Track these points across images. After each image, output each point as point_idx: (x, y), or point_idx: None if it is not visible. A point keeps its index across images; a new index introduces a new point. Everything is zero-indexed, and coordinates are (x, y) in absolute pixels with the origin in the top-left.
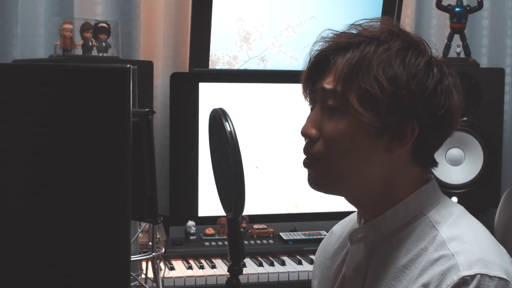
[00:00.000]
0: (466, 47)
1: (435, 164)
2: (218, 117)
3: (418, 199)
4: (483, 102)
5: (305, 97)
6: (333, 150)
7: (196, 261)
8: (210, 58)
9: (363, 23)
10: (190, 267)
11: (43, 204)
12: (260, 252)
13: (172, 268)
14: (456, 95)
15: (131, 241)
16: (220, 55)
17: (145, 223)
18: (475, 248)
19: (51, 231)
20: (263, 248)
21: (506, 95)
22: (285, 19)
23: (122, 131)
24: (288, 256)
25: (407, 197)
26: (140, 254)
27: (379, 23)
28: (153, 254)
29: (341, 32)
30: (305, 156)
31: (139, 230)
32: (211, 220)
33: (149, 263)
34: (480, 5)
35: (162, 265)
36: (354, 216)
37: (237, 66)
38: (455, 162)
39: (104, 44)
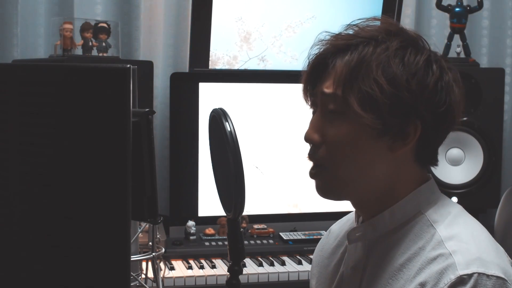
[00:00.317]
0: (466, 47)
1: (436, 161)
2: (218, 117)
3: (416, 199)
4: (483, 102)
5: (306, 101)
6: (337, 155)
7: (196, 261)
8: (210, 58)
9: (360, 23)
10: (190, 267)
11: (43, 204)
12: (260, 252)
13: (172, 268)
14: (457, 90)
15: (131, 241)
16: (220, 55)
17: (145, 223)
18: (472, 247)
19: (51, 231)
20: (263, 248)
21: (506, 95)
22: (285, 19)
23: (122, 131)
24: (288, 256)
25: (405, 196)
26: (140, 254)
27: (376, 22)
28: (153, 254)
29: (338, 34)
30: (310, 165)
31: (139, 230)
32: (211, 220)
33: (149, 263)
34: (480, 5)
35: (162, 265)
36: (352, 215)
37: (237, 66)
38: (455, 162)
39: (104, 44)
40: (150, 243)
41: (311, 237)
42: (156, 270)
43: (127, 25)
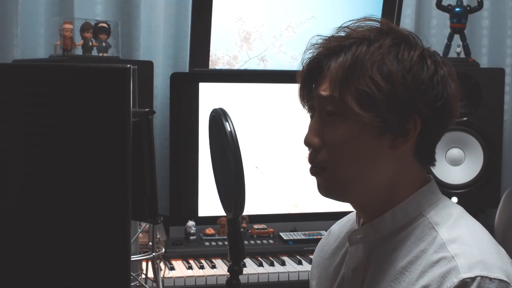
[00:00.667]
0: (466, 47)
1: (434, 159)
2: (218, 117)
3: (417, 200)
4: (483, 102)
5: (303, 106)
6: (338, 157)
7: (196, 261)
8: (210, 58)
9: (351, 24)
10: (190, 267)
11: (43, 204)
12: (260, 252)
13: (172, 268)
14: (453, 84)
15: (131, 241)
16: (220, 55)
17: (145, 223)
18: (475, 250)
19: (51, 231)
20: (263, 248)
21: (506, 95)
22: (285, 19)
23: (122, 131)
24: (288, 256)
25: (406, 198)
26: (140, 254)
27: (367, 22)
28: (153, 254)
29: (330, 36)
30: (310, 165)
31: (139, 230)
32: (211, 220)
33: (149, 263)
34: (480, 5)
35: (162, 265)
36: (352, 216)
37: (237, 66)
38: (455, 162)
39: (104, 44)
40: (150, 243)
41: (311, 237)
42: (156, 270)
43: (127, 25)
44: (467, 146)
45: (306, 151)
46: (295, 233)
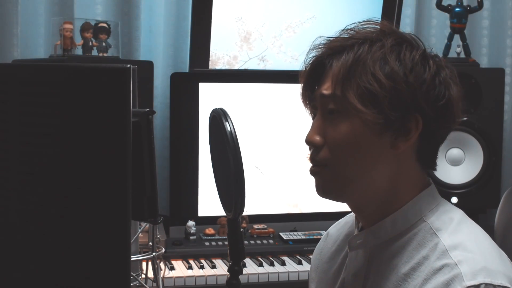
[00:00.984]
0: (466, 47)
1: (435, 163)
2: (218, 117)
3: (417, 205)
4: (483, 102)
5: (306, 106)
6: (339, 155)
7: (196, 261)
8: (210, 58)
9: (355, 26)
10: (190, 267)
11: (43, 204)
12: (260, 252)
13: (172, 268)
14: (455, 87)
15: (131, 241)
16: (220, 55)
17: (145, 223)
18: (478, 257)
19: (51, 231)
20: (263, 248)
21: (506, 95)
22: (285, 19)
23: (122, 131)
24: (288, 256)
25: (407, 202)
26: (140, 254)
27: (371, 25)
28: (153, 254)
29: (334, 38)
30: (311, 164)
31: (139, 230)
32: (211, 220)
33: (149, 263)
34: (480, 5)
35: (162, 265)
36: (349, 218)
37: (237, 66)
38: (455, 162)
39: (104, 44)
40: (150, 243)
41: (311, 237)
42: (156, 270)
43: (127, 25)
44: (467, 146)
45: (306, 151)
46: (295, 233)
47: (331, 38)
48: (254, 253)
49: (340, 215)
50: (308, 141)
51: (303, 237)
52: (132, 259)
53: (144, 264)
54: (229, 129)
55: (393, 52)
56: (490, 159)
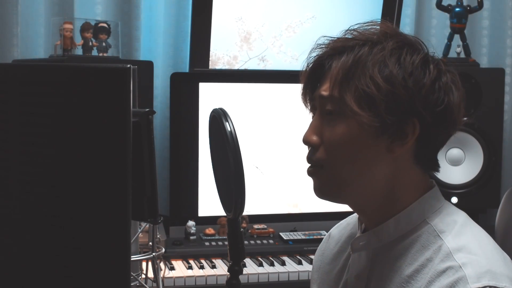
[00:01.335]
0: (466, 47)
1: (437, 166)
2: (218, 117)
3: (421, 207)
4: (483, 102)
5: (306, 106)
6: (335, 156)
7: (196, 261)
8: (210, 58)
9: (358, 27)
10: (190, 267)
11: (43, 204)
12: (260, 252)
13: (172, 268)
14: (456, 92)
15: (131, 241)
16: (220, 55)
17: (145, 223)
18: (482, 259)
19: (51, 231)
20: (263, 248)
21: (506, 95)
22: (285, 19)
23: (122, 131)
24: (288, 256)
25: (410, 204)
26: (140, 254)
27: (375, 26)
28: (153, 254)
29: (336, 38)
30: (309, 165)
31: (139, 230)
32: (211, 220)
33: (149, 263)
34: (480, 5)
35: (162, 265)
36: (352, 219)
37: (237, 66)
38: (455, 162)
39: (104, 44)
40: (150, 243)
41: (311, 237)
42: (156, 270)
43: (127, 25)
44: (467, 146)
45: (306, 151)
46: (295, 233)
47: (334, 38)
48: (254, 253)
49: (340, 215)
50: (305, 141)
51: (303, 237)
52: (132, 259)
53: (144, 264)
54: (229, 129)
55: (393, 56)
56: (490, 159)
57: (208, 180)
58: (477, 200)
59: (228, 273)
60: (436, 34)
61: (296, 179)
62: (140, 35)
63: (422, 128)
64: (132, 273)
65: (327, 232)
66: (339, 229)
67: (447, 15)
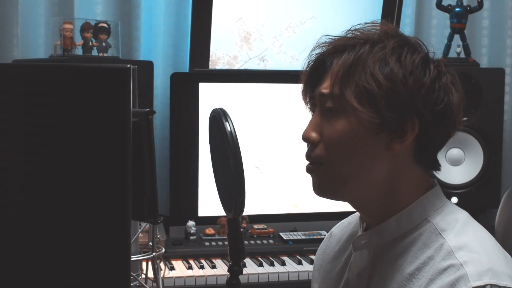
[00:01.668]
0: (466, 47)
1: (437, 165)
2: (218, 117)
3: (422, 206)
4: (483, 102)
5: (306, 104)
6: (334, 152)
7: (196, 261)
8: (210, 58)
9: (360, 27)
10: (190, 267)
11: (43, 204)
12: (260, 252)
13: (172, 268)
14: (456, 93)
15: (131, 241)
16: (220, 55)
17: (145, 223)
18: (483, 258)
19: (51, 231)
20: (263, 248)
21: (506, 95)
22: (285, 19)
23: (122, 131)
24: (288, 256)
25: (411, 202)
26: (140, 254)
27: (376, 26)
28: (153, 254)
29: (338, 37)
30: (308, 162)
31: (139, 230)
32: (211, 220)
33: (149, 263)
34: (480, 5)
35: (162, 265)
36: (353, 218)
37: (237, 66)
38: (455, 162)
39: (104, 44)
40: (150, 243)
41: (311, 237)
42: (156, 270)
43: (127, 25)
44: (467, 146)
45: (305, 151)
46: (295, 233)
47: (336, 37)
48: (254, 253)
49: (340, 215)
50: (305, 137)
51: (303, 237)
52: (132, 259)
53: (144, 264)
54: (229, 129)
55: (394, 54)
56: (490, 159)
57: (208, 180)
58: (477, 200)
59: (228, 273)
60: (436, 34)
61: (296, 179)
62: (140, 35)
63: (421, 126)
64: (132, 273)
65: (327, 232)
66: (341, 228)
67: (447, 15)
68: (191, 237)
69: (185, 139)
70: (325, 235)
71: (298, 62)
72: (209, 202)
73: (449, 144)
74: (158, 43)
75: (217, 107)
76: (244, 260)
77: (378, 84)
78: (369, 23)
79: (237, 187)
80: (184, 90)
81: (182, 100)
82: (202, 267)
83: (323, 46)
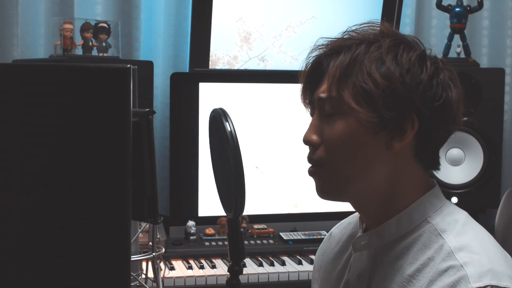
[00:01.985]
0: (466, 47)
1: (438, 164)
2: (218, 117)
3: (422, 206)
4: (483, 102)
5: (306, 108)
6: (335, 154)
7: (196, 261)
8: (210, 58)
9: (356, 28)
10: (190, 267)
11: (43, 204)
12: (260, 252)
13: (172, 268)
14: (454, 89)
15: (131, 241)
16: (220, 55)
17: (145, 223)
18: (483, 259)
19: (51, 231)
20: (263, 248)
21: (506, 95)
22: (285, 19)
23: (122, 131)
24: (288, 256)
25: (411, 203)
26: (140, 254)
27: (372, 27)
28: (153, 254)
29: (334, 39)
30: (310, 165)
31: (139, 230)
32: (211, 220)
33: (149, 263)
34: (480, 5)
35: (162, 265)
36: (353, 219)
37: (237, 66)
38: (455, 162)
39: (104, 44)
40: (150, 243)
41: (311, 237)
42: (156, 270)
43: (127, 25)
44: (467, 146)
45: (306, 151)
46: (295, 233)
47: (332, 39)
48: (254, 253)
49: (340, 215)
50: (305, 140)
51: (303, 237)
52: (132, 259)
53: (144, 264)
54: (229, 129)
55: (390, 53)
56: (490, 159)
57: (208, 180)
58: (477, 200)
59: (228, 273)
60: (436, 34)
61: (296, 179)
62: (140, 35)
63: (421, 123)
64: (132, 273)
65: (327, 232)
66: (340, 229)
67: (447, 15)
68: (191, 237)
69: (185, 139)
70: (325, 235)
71: (298, 62)
72: (209, 202)
73: (449, 144)
74: (158, 43)
75: (217, 107)
76: (244, 260)
77: (375, 83)
78: (365, 23)
79: (237, 187)
80: (184, 90)
81: (182, 100)
82: (202, 267)
83: (319, 48)
